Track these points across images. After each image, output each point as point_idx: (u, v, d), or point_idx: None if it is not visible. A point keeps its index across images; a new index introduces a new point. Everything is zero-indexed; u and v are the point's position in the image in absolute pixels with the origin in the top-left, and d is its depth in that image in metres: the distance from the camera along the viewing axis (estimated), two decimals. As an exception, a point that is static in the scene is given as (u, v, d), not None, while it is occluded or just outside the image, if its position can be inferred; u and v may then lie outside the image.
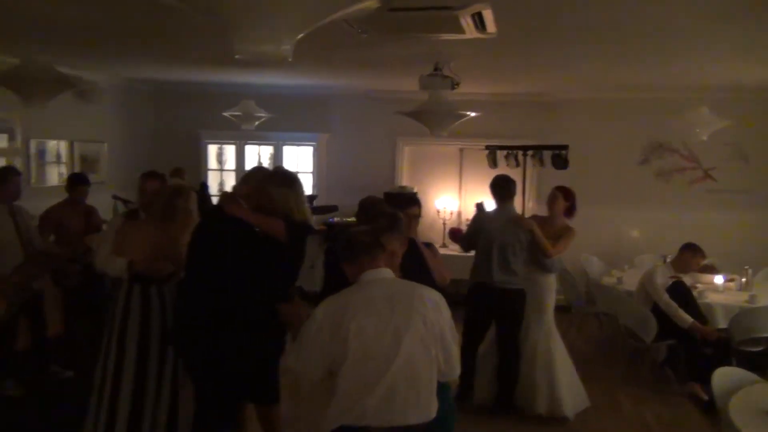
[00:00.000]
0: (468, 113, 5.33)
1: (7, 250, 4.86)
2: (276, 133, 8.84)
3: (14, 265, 4.85)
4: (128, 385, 3.60)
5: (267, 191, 3.32)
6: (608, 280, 6.87)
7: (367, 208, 3.61)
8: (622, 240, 8.32)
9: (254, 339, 3.22)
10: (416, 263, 3.40)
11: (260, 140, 9.14)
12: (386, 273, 2.71)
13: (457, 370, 2.73)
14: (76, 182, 5.70)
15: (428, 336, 2.55)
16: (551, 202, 5.18)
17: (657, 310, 5.57)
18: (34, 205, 6.72)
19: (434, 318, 2.59)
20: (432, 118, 5.28)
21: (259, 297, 3.27)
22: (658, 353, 5.98)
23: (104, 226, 5.93)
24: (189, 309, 3.35)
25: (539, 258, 4.93)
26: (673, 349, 5.76)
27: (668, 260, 6.16)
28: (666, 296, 5.54)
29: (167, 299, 3.73)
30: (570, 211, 5.14)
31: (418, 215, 4.02)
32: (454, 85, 5.42)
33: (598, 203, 8.22)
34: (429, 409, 2.57)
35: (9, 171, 5.10)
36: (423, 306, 2.59)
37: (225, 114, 7.42)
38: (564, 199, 5.13)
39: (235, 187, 3.67)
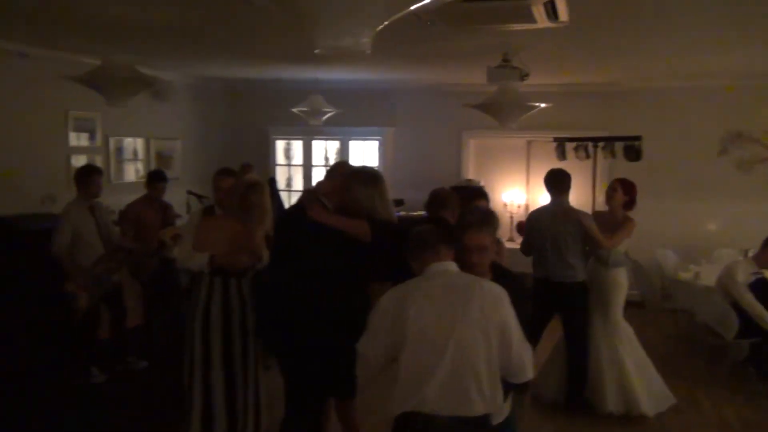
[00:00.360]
0: (538, 104, 5.23)
1: (88, 245, 5.11)
2: (342, 128, 8.91)
3: (94, 258, 5.08)
4: (218, 372, 3.75)
5: (352, 190, 3.34)
6: (685, 276, 6.62)
7: (438, 200, 3.62)
8: (698, 234, 8.00)
9: (338, 336, 3.26)
10: None
11: (327, 135, 9.24)
12: (450, 266, 2.73)
13: (529, 373, 2.67)
14: (155, 179, 5.90)
15: (486, 326, 2.54)
16: (609, 194, 5.02)
17: (738, 307, 5.33)
18: (113, 201, 7.02)
19: (493, 310, 2.57)
20: (501, 110, 5.20)
21: (344, 295, 3.33)
22: (740, 351, 5.72)
23: (178, 221, 6.14)
24: (276, 305, 3.43)
25: (597, 251, 4.82)
26: (757, 346, 5.50)
27: (750, 255, 5.88)
28: (749, 294, 5.30)
29: (245, 290, 3.85)
30: (629, 204, 4.94)
31: None
32: (523, 76, 5.33)
33: (674, 195, 7.95)
34: (494, 401, 2.55)
35: (92, 170, 5.34)
36: (481, 296, 2.58)
37: (293, 110, 7.53)
38: (623, 192, 4.93)
39: (319, 184, 3.70)
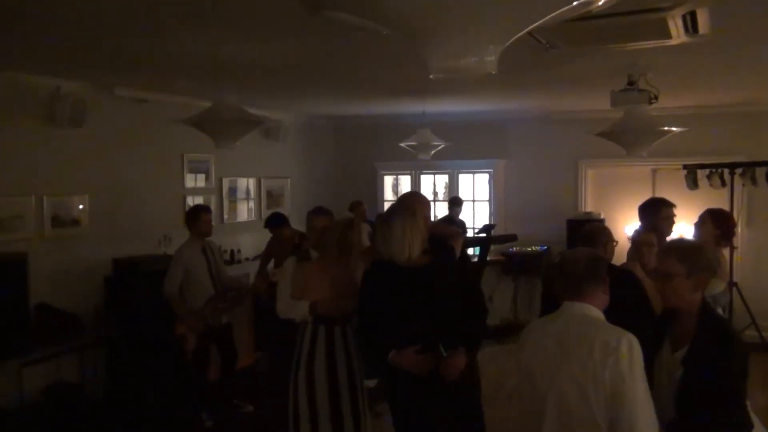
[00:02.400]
0: (673, 128, 4.73)
1: (198, 284, 5.10)
2: (451, 161, 8.67)
3: (205, 299, 5.06)
4: (326, 427, 3.53)
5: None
6: None
7: (585, 236, 3.35)
8: None
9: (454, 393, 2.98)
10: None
11: (435, 169, 9.03)
12: (585, 309, 2.37)
13: None
14: (268, 225, 5.87)
15: (586, 381, 2.20)
16: (698, 226, 4.39)
17: None
18: (227, 241, 7.13)
19: (601, 363, 2.18)
20: (630, 137, 4.75)
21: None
22: None
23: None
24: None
25: None
26: None
27: None
28: None
29: (350, 337, 3.62)
30: (722, 239, 4.28)
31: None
32: (652, 99, 4.86)
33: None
34: None
35: (200, 209, 5.36)
36: (588, 347, 2.22)
37: (401, 144, 7.38)
38: (713, 225, 4.28)
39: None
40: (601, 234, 3.41)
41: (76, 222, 5.68)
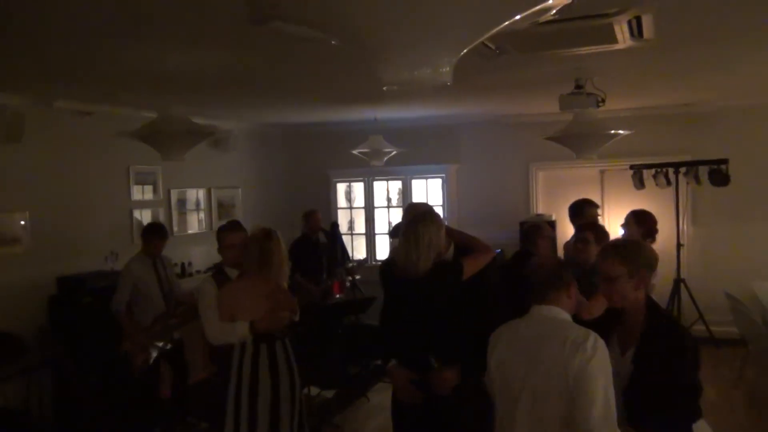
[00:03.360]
0: (621, 131, 4.81)
1: (148, 299, 4.95)
2: (404, 167, 8.66)
3: (154, 316, 4.91)
4: None
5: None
6: (791, 309, 5.98)
7: (525, 235, 3.54)
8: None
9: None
10: None
11: (388, 175, 9.01)
12: (548, 311, 2.44)
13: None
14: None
15: (556, 374, 2.26)
16: (624, 227, 4.53)
17: None
18: (176, 254, 6.93)
19: (570, 357, 2.25)
20: (580, 141, 4.81)
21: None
22: None
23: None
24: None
25: None
26: None
27: None
28: None
29: (290, 350, 3.52)
30: (646, 237, 4.29)
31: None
32: (599, 102, 4.94)
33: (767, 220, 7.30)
34: None
35: (157, 234, 5.16)
36: (560, 342, 2.29)
37: (353, 152, 7.33)
38: (636, 224, 4.38)
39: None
40: (533, 232, 3.68)
41: (16, 240, 5.45)
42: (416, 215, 3.12)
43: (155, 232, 5.19)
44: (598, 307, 2.84)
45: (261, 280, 3.48)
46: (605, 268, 2.44)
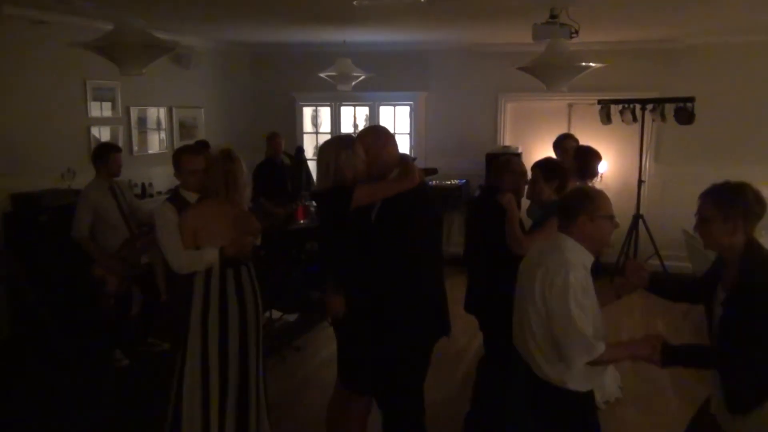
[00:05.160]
0: (593, 64, 4.75)
1: (112, 227, 4.81)
2: (372, 93, 8.50)
3: (120, 241, 4.81)
4: (234, 378, 3.37)
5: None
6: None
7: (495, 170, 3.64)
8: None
9: None
10: None
11: (356, 101, 8.86)
12: (556, 237, 2.61)
13: (572, 360, 2.44)
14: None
15: (536, 298, 2.50)
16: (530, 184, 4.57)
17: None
18: (136, 174, 6.79)
19: (546, 285, 2.47)
20: (551, 72, 4.73)
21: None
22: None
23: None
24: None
25: None
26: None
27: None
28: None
29: (254, 275, 3.47)
30: (583, 172, 4.17)
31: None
32: (573, 33, 4.87)
33: (728, 160, 7.41)
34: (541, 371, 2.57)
35: (109, 148, 4.95)
36: (544, 269, 2.50)
37: (321, 75, 7.14)
38: (545, 180, 3.84)
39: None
40: (503, 168, 3.70)
41: (-34, 154, 5.24)
42: (328, 139, 3.26)
43: (110, 147, 4.99)
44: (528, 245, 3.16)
45: (227, 204, 3.40)
46: (699, 207, 2.40)
